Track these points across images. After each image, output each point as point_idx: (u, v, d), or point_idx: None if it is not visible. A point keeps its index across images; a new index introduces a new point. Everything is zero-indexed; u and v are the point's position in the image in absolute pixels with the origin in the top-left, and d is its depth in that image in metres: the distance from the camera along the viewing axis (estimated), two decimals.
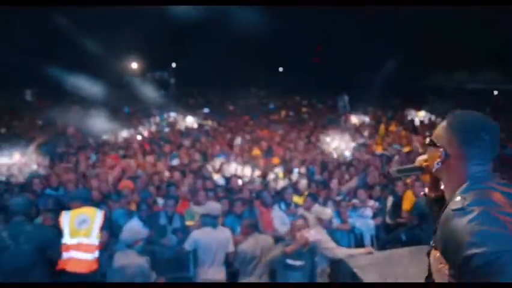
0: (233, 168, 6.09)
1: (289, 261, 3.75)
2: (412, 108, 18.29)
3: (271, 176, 5.71)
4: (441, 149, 1.19)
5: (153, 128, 11.80)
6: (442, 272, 1.20)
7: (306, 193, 4.94)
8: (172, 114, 14.98)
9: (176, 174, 5.50)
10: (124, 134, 10.25)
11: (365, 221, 4.94)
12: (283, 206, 4.82)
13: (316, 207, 4.53)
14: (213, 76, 30.54)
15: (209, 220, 4.13)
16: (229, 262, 4.19)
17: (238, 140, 8.11)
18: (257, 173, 5.89)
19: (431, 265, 1.32)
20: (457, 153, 1.17)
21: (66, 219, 3.91)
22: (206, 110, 16.66)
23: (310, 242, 3.67)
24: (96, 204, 4.35)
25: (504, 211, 1.08)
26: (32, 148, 7.41)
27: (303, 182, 5.34)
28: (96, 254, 3.93)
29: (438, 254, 1.23)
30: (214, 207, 4.21)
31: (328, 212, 4.39)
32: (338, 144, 8.58)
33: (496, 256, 0.96)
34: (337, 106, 19.28)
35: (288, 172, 5.98)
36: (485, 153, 1.17)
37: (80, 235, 3.86)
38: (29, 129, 11.23)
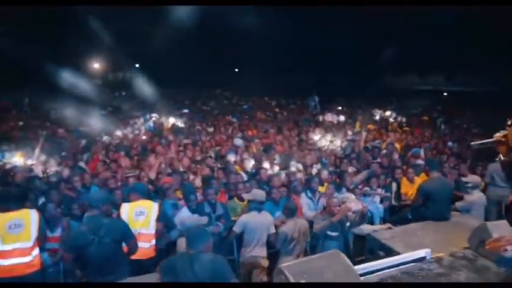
0: (251, 163, 6.68)
1: (329, 233, 4.44)
2: (376, 108, 19.60)
3: (292, 169, 6.38)
4: None
5: (142, 128, 11.98)
6: None
7: (326, 183, 5.70)
8: (154, 115, 15.18)
9: (207, 170, 6.00)
10: (119, 133, 10.43)
11: (375, 205, 5.76)
12: (309, 193, 5.50)
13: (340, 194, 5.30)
14: (176, 76, 30.65)
15: (255, 205, 4.72)
16: (270, 242, 4.78)
17: (238, 141, 8.65)
18: (276, 167, 6.54)
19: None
20: None
21: (125, 211, 4.26)
22: (185, 111, 16.95)
23: (353, 210, 4.39)
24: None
25: None
26: (38, 150, 7.51)
27: (325, 173, 6.06)
28: (153, 242, 4.34)
29: None
30: (259, 193, 4.80)
31: (352, 197, 5.14)
32: (327, 140, 9.41)
33: None
34: (308, 106, 20.35)
35: (303, 166, 6.69)
36: None
37: (138, 226, 4.21)
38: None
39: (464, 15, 17.83)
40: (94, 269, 3.45)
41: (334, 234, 4.53)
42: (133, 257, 3.95)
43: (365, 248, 4.73)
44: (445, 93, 30.71)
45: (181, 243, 4.35)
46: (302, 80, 25.49)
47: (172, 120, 13.97)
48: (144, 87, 31.56)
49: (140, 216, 4.14)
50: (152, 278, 3.52)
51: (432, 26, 21.94)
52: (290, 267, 2.99)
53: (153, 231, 4.23)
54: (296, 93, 24.59)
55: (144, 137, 9.82)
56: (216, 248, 4.79)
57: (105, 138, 9.59)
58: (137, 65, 36.46)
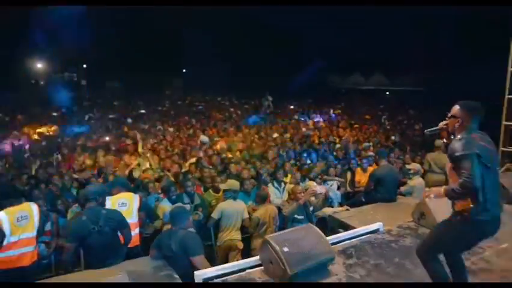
0: (218, 159, 7.23)
1: (296, 216, 5.07)
2: (324, 107, 20.68)
3: (257, 163, 7.00)
4: (459, 119, 2.66)
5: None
6: (450, 169, 2.69)
7: (289, 174, 6.39)
8: (111, 116, 15.13)
9: (175, 166, 6.48)
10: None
11: (333, 191, 6.53)
12: (275, 184, 6.14)
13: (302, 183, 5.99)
14: (123, 77, 30.10)
15: (230, 194, 5.25)
16: (244, 227, 5.34)
17: (204, 138, 9.11)
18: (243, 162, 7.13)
19: (447, 173, 2.81)
20: (466, 120, 2.65)
21: (108, 204, 4.53)
22: (143, 111, 16.96)
23: (317, 193, 5.06)
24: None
25: (476, 141, 2.59)
26: None
27: (288, 165, 6.71)
28: (137, 231, 4.70)
29: (450, 164, 2.71)
30: (234, 183, 5.34)
31: (314, 184, 5.84)
32: (285, 137, 10.17)
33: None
34: (262, 106, 21.05)
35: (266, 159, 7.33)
36: (477, 121, 2.67)
37: None
38: None
39: (403, 18, 19.44)
40: (95, 256, 3.76)
41: (301, 217, 5.15)
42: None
43: (326, 228, 5.43)
44: (387, 93, 33.07)
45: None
46: (254, 81, 26.16)
47: (129, 120, 14.02)
48: (91, 87, 30.75)
49: (123, 207, 4.43)
50: (145, 260, 3.97)
51: (375, 28, 23.64)
52: (274, 237, 3.60)
53: (136, 220, 4.56)
54: (249, 93, 25.19)
55: (107, 138, 9.92)
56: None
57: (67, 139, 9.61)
58: (84, 66, 35.43)
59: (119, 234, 4.05)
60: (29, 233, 3.82)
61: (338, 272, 3.66)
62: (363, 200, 6.22)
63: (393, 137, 10.58)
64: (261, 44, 29.74)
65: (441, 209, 4.63)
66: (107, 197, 4.52)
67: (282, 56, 29.19)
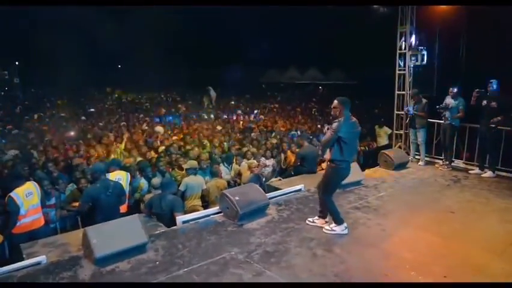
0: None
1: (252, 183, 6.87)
2: (261, 101, 22.56)
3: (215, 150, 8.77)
4: (338, 108, 4.58)
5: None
6: None
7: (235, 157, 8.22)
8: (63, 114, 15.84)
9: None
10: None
11: (270, 168, 8.41)
12: (226, 164, 7.89)
13: (245, 161, 7.83)
14: (64, 76, 29.77)
15: (192, 171, 6.88)
16: (203, 195, 7.00)
17: (159, 128, 10.61)
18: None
19: None
20: (342, 110, 4.58)
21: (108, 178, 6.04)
22: (92, 110, 17.68)
23: (267, 164, 6.89)
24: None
25: (346, 122, 4.55)
26: None
27: (233, 148, 8.52)
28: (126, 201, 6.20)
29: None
30: (194, 163, 6.99)
31: (255, 162, 7.69)
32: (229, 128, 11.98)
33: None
34: (204, 101, 22.50)
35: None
36: (348, 110, 4.61)
37: None
38: None
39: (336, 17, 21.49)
40: (104, 213, 5.05)
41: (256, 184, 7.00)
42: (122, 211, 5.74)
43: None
44: (320, 87, 36.10)
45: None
46: (195, 76, 27.34)
47: (83, 118, 14.89)
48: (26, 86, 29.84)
49: (120, 181, 5.94)
50: (138, 216, 5.50)
51: (310, 26, 25.78)
52: (228, 191, 5.35)
53: (126, 192, 6.06)
54: (190, 88, 26.34)
55: (72, 133, 11.01)
56: None
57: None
58: (17, 63, 34.07)
59: None
60: (34, 205, 5.18)
61: (272, 213, 5.50)
62: (292, 173, 8.16)
63: (319, 126, 12.84)
64: (200, 41, 30.80)
65: None
66: (107, 174, 5.97)
67: (222, 53, 30.49)
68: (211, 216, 5.37)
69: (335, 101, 4.64)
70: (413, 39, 8.88)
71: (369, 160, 9.73)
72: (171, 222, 5.25)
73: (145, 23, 26.55)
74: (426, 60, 8.78)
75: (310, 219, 5.17)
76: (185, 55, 31.87)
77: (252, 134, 10.52)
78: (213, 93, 22.06)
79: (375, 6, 8.80)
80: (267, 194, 6.05)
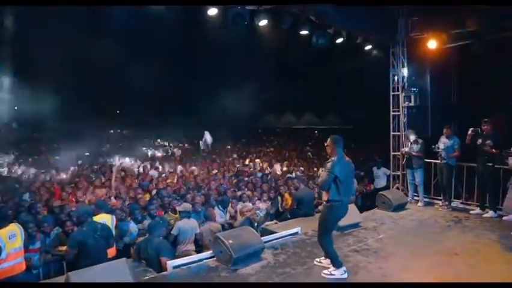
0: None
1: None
2: (258, 146, 22.61)
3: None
4: (331, 146, 4.51)
5: None
6: None
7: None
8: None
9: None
10: None
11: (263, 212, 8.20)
12: (220, 207, 7.68)
13: (241, 204, 7.65)
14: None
15: (185, 214, 6.66)
16: (196, 239, 6.73)
17: (153, 172, 10.50)
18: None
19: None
20: (334, 148, 4.51)
21: None
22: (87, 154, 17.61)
23: (261, 208, 6.69)
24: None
25: (340, 161, 4.45)
26: None
27: (229, 192, 8.36)
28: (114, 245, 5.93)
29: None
30: (187, 205, 6.78)
31: (249, 205, 7.51)
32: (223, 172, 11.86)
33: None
34: (201, 146, 22.55)
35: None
36: (341, 148, 4.54)
37: None
38: None
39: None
40: (91, 257, 4.74)
41: None
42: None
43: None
44: (316, 131, 36.44)
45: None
46: (193, 121, 27.47)
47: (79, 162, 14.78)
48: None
49: (107, 224, 5.69)
50: (126, 260, 5.24)
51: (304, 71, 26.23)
52: (222, 234, 5.14)
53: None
54: (185, 135, 26.47)
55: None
56: None
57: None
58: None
59: None
60: (17, 248, 4.88)
61: (267, 257, 5.25)
62: (289, 216, 7.94)
63: (315, 169, 12.75)
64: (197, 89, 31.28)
65: None
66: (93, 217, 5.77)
67: (219, 97, 30.85)
68: (204, 260, 5.11)
69: (328, 139, 4.60)
70: (405, 80, 9.04)
71: (367, 202, 9.55)
72: (161, 267, 4.99)
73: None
74: (420, 101, 8.88)
75: (318, 259, 5.01)
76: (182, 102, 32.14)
77: (247, 179, 10.37)
78: (209, 138, 22.09)
79: (367, 48, 8.97)
80: (262, 238, 5.85)
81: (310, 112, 42.04)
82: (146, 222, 6.39)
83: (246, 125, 34.12)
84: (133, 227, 6.46)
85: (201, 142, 22.53)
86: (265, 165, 14.02)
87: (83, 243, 4.93)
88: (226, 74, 26.62)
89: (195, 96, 30.63)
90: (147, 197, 8.13)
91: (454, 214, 7.43)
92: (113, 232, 5.73)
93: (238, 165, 13.91)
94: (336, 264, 4.60)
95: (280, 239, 6.07)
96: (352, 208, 7.03)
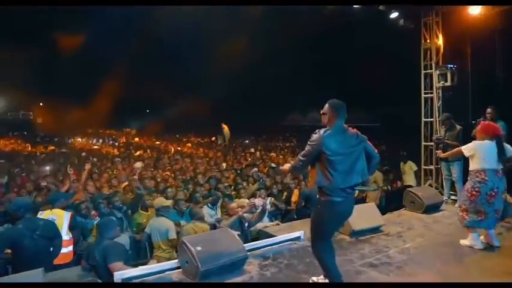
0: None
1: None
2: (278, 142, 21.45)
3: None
4: (328, 114, 3.17)
5: None
6: None
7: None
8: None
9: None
10: None
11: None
12: (209, 205, 6.46)
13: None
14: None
15: (163, 211, 5.47)
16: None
17: (137, 164, 9.54)
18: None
19: None
20: (333, 117, 3.16)
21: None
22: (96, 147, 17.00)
23: (257, 205, 5.43)
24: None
25: (343, 135, 3.13)
26: None
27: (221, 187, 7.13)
28: (70, 248, 4.69)
29: None
30: (162, 201, 5.61)
31: (246, 201, 6.22)
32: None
33: None
34: (218, 140, 21.75)
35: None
36: (343, 119, 3.19)
37: None
38: None
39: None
40: (26, 262, 3.83)
41: (237, 232, 5.47)
42: (57, 262, 4.38)
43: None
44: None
45: None
46: (211, 118, 26.73)
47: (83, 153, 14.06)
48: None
49: (53, 222, 4.58)
50: (73, 269, 4.12)
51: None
52: (189, 238, 3.88)
53: (67, 238, 4.66)
54: (205, 130, 25.76)
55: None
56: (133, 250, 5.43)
57: None
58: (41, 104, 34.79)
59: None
60: None
61: (251, 270, 3.95)
62: (295, 216, 6.61)
63: None
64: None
65: (356, 217, 5.14)
66: (40, 211, 4.69)
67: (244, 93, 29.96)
68: (167, 272, 3.88)
69: (326, 105, 3.27)
70: (439, 56, 7.47)
71: (392, 202, 8.05)
72: (110, 274, 3.80)
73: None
74: (458, 80, 7.27)
75: (315, 277, 3.63)
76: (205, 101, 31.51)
77: (252, 170, 9.09)
78: (226, 131, 21.31)
79: (392, 17, 7.46)
80: (250, 244, 4.58)
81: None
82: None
83: (271, 121, 33.18)
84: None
85: (218, 136, 21.78)
86: (280, 160, 12.76)
87: (17, 243, 3.92)
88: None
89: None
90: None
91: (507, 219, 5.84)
92: (65, 231, 4.67)
93: (249, 159, 12.73)
94: (334, 280, 3.26)
95: (276, 246, 4.76)
96: (371, 207, 5.66)
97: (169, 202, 5.67)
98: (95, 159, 12.05)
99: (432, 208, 6.26)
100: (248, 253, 4.33)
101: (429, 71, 7.61)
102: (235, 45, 19.86)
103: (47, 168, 10.03)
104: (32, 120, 32.95)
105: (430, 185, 7.71)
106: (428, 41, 7.53)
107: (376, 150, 3.39)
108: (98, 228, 4.19)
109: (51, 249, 4.23)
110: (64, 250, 4.62)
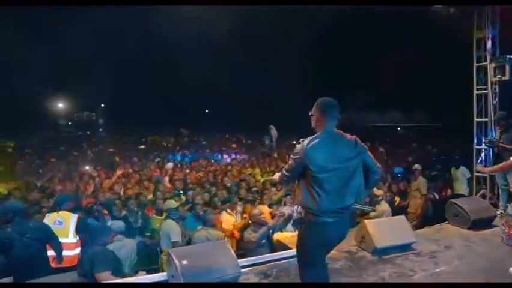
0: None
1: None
2: None
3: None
4: (315, 116, 2.67)
5: None
6: None
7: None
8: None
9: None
10: None
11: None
12: (228, 210, 6.12)
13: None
14: (141, 116, 31.23)
15: (174, 213, 5.26)
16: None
17: (169, 164, 9.52)
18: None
19: None
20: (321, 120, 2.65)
21: (46, 221, 4.61)
22: (142, 146, 17.49)
23: (288, 214, 5.05)
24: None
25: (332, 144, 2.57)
26: None
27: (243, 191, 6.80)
28: (77, 251, 4.57)
29: None
30: (172, 203, 5.40)
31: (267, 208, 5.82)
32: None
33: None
34: (265, 141, 21.35)
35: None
36: (334, 121, 2.69)
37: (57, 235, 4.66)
38: None
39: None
40: (21, 265, 3.83)
41: (264, 241, 5.14)
42: (58, 265, 4.33)
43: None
44: (399, 128, 32.64)
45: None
46: (260, 119, 26.59)
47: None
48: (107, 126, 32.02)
49: (59, 226, 4.51)
50: (68, 275, 3.98)
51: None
52: (176, 250, 3.55)
53: (74, 240, 4.58)
54: (255, 131, 25.64)
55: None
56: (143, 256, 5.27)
57: None
58: (102, 105, 37.06)
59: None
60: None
61: None
62: None
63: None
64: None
65: (380, 232, 4.51)
66: (47, 214, 4.67)
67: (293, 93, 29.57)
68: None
69: (314, 106, 2.73)
70: (496, 46, 6.45)
71: (440, 213, 7.13)
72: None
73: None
74: None
75: None
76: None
77: None
78: (274, 132, 20.86)
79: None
80: (256, 258, 4.16)
81: (395, 108, 39.00)
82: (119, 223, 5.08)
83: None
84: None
85: (266, 137, 21.48)
86: None
87: (6, 247, 3.85)
88: None
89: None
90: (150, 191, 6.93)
91: None
92: (71, 234, 4.58)
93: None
94: None
95: (284, 261, 4.27)
96: (400, 221, 4.94)
97: (177, 204, 5.42)
98: (135, 159, 12.28)
99: (481, 223, 5.33)
100: (252, 268, 3.96)
101: (483, 63, 6.60)
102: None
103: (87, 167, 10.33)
104: (94, 120, 34.99)
105: (483, 196, 6.70)
106: (482, 29, 6.53)
107: (378, 164, 2.79)
108: (89, 233, 4.02)
109: (51, 252, 4.18)
110: (69, 253, 4.55)
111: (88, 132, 32.08)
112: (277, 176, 3.02)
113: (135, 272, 4.54)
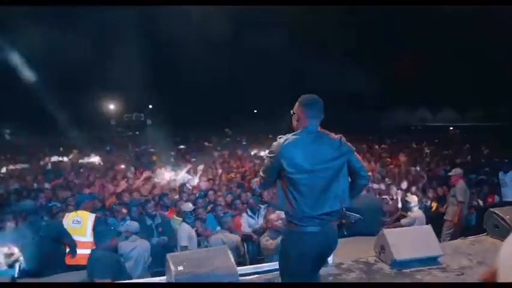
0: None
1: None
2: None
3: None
4: (296, 114, 2.45)
5: None
6: None
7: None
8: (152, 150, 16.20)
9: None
10: None
11: None
12: (249, 212, 5.96)
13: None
14: (186, 116, 31.99)
15: (189, 217, 5.21)
16: None
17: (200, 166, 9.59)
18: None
19: None
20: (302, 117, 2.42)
21: (65, 221, 4.76)
22: (182, 146, 17.82)
23: None
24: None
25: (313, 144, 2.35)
26: None
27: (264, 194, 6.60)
28: None
29: None
30: (189, 206, 5.36)
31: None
32: None
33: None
34: None
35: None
36: (316, 120, 2.45)
37: (75, 233, 4.66)
38: None
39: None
40: (36, 262, 3.97)
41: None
42: (72, 262, 4.45)
43: None
44: (451, 128, 30.69)
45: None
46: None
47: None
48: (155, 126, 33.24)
49: (77, 225, 4.65)
50: (79, 273, 4.07)
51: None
52: (174, 255, 3.47)
53: (91, 240, 4.68)
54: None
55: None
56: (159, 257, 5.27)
57: None
58: (150, 106, 38.56)
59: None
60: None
61: None
62: (345, 233, 5.72)
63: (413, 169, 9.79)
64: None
65: (401, 242, 4.15)
66: (66, 214, 4.83)
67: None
68: None
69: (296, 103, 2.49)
70: None
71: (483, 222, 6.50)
72: None
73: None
74: None
75: None
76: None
77: None
78: None
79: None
80: (261, 265, 3.98)
81: (448, 107, 37.35)
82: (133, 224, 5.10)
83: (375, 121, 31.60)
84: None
85: None
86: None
87: (19, 244, 4.01)
88: None
89: None
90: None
91: None
92: (89, 233, 4.69)
93: None
94: None
95: None
96: (425, 231, 4.51)
97: (192, 207, 5.36)
98: (172, 159, 12.50)
99: None
100: (253, 276, 3.80)
101: None
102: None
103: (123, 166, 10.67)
104: (143, 121, 36.44)
105: None
106: None
107: (366, 168, 2.50)
108: (94, 237, 4.07)
109: (66, 249, 4.30)
110: (86, 251, 4.66)
111: (137, 133, 33.44)
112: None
113: (151, 273, 4.57)
